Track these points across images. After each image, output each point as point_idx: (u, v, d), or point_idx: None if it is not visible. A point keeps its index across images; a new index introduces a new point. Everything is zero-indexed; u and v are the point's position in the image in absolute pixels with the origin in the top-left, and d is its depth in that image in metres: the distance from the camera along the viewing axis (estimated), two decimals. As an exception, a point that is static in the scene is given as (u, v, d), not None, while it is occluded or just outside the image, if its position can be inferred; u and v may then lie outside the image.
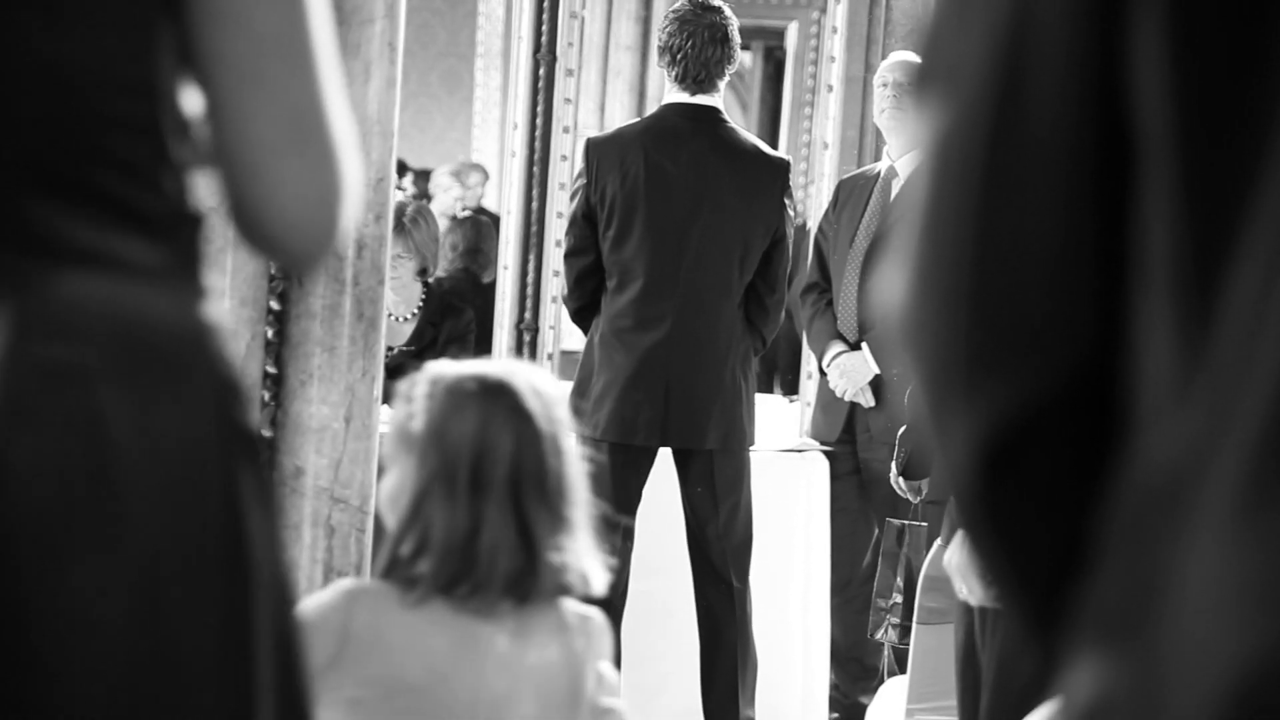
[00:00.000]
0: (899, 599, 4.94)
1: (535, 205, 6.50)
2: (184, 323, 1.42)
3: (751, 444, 5.02)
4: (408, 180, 9.46)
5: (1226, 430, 0.77)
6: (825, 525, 5.42)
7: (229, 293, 4.03)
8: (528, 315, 6.54)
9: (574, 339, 6.30)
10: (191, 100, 1.47)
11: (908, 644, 4.78)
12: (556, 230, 6.29)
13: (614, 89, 11.05)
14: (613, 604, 4.86)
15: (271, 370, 4.11)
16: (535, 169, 6.50)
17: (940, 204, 0.88)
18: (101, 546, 1.36)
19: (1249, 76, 0.80)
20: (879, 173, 5.65)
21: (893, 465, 4.51)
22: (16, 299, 1.36)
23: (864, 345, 5.53)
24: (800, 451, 5.59)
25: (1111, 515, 0.83)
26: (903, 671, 4.56)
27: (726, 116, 5.04)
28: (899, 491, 4.61)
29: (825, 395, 5.67)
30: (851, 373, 5.54)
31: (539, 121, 6.48)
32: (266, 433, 3.92)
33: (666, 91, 5.06)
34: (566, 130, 6.46)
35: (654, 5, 10.69)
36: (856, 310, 5.55)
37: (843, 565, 5.48)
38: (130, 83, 1.43)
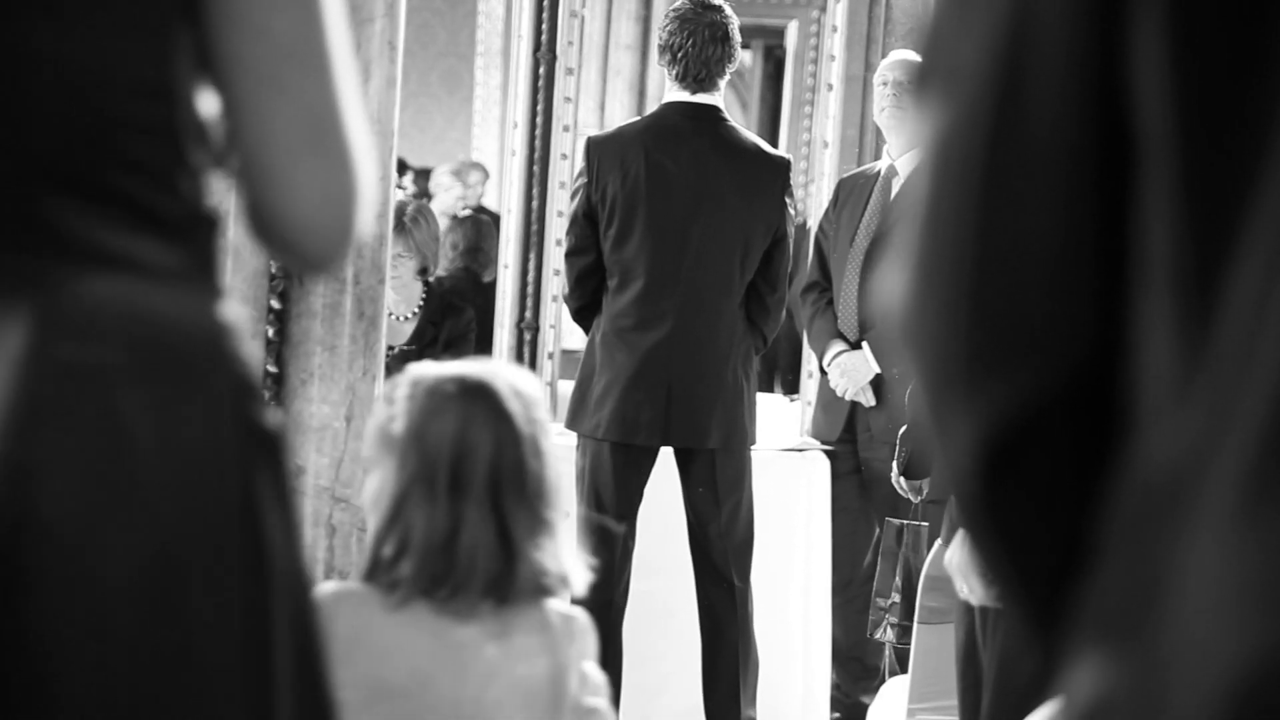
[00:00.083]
0: (898, 598, 4.94)
1: (535, 204, 6.49)
2: (201, 324, 1.44)
3: (753, 443, 5.02)
4: (408, 179, 9.46)
5: (1227, 429, 0.77)
6: (826, 525, 5.42)
7: (229, 292, 4.04)
8: (528, 314, 6.54)
9: (575, 338, 6.31)
10: (207, 103, 1.49)
11: (906, 643, 4.78)
12: (557, 229, 6.29)
13: (614, 88, 11.05)
14: (614, 604, 4.87)
15: (272, 369, 4.12)
16: (535, 168, 6.50)
17: (940, 203, 0.88)
18: (121, 545, 1.37)
19: (1249, 76, 0.80)
20: (879, 172, 5.65)
21: (893, 465, 4.51)
22: (38, 301, 1.38)
23: (864, 344, 5.53)
24: (801, 451, 5.59)
25: (1112, 514, 0.83)
26: (904, 671, 4.56)
27: (727, 115, 5.04)
28: (900, 491, 4.61)
29: (826, 394, 5.67)
30: (852, 372, 5.53)
31: (539, 120, 6.48)
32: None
33: (667, 90, 5.06)
34: (566, 129, 6.46)
35: (654, 4, 10.69)
36: (857, 309, 5.55)
37: (844, 565, 5.48)
38: (149, 87, 1.44)
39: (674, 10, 5.01)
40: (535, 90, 6.49)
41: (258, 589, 1.42)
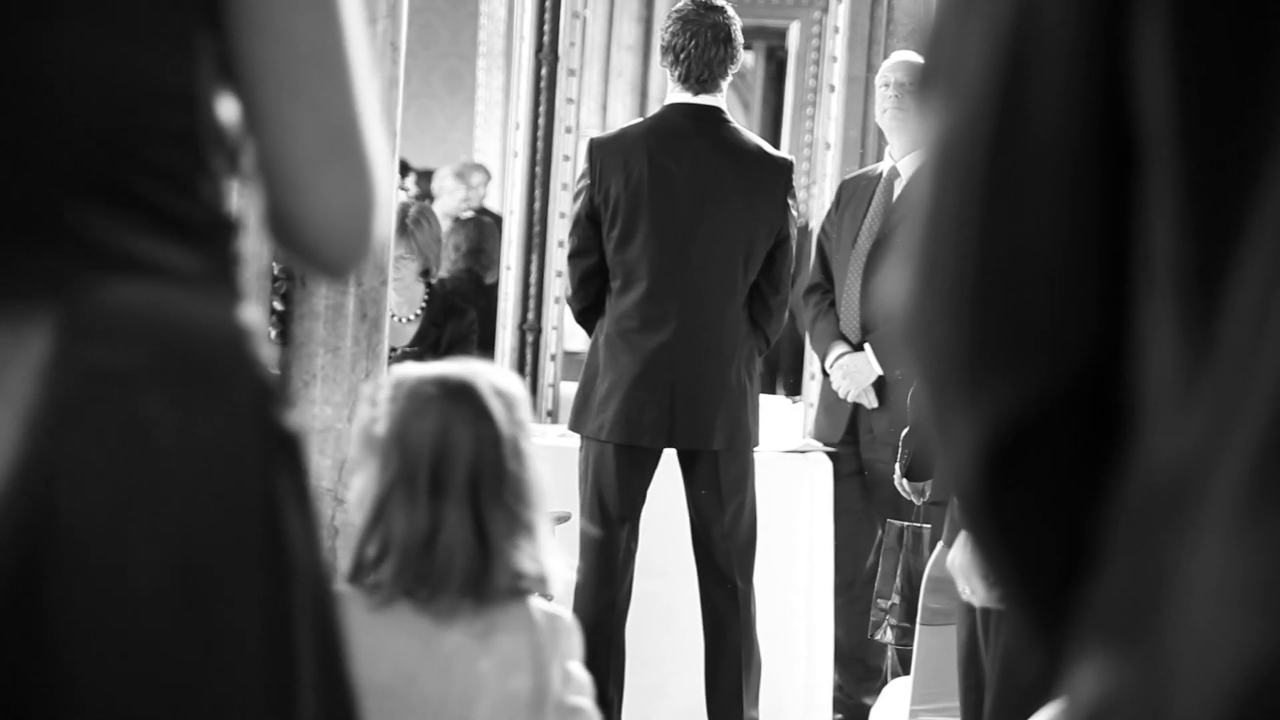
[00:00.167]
0: (898, 599, 4.94)
1: (538, 205, 6.50)
2: (223, 327, 1.46)
3: (756, 444, 5.02)
4: (410, 181, 9.47)
5: (1230, 430, 0.77)
6: (828, 526, 5.42)
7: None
8: (531, 316, 6.55)
9: (577, 339, 6.31)
10: (227, 110, 1.50)
11: (906, 644, 4.79)
12: (559, 231, 6.29)
13: (616, 89, 11.07)
14: (617, 605, 4.87)
15: (275, 371, 4.12)
16: (538, 169, 6.50)
17: (943, 205, 0.88)
18: (144, 547, 1.39)
19: (1252, 76, 0.80)
20: (881, 173, 5.65)
21: (896, 466, 4.51)
22: (62, 305, 1.39)
23: (867, 346, 5.53)
24: (803, 452, 5.59)
25: (1115, 516, 0.83)
26: (906, 672, 4.56)
27: (729, 116, 5.04)
28: (902, 493, 4.61)
29: (828, 396, 5.67)
30: (854, 374, 5.53)
31: (541, 122, 6.49)
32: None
33: (669, 91, 5.06)
34: (569, 130, 6.46)
35: (656, 5, 10.70)
36: (859, 311, 5.55)
37: (846, 566, 5.48)
38: (171, 93, 1.46)
39: (676, 11, 5.02)
40: (537, 91, 6.49)
41: (279, 589, 1.44)
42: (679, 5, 5.03)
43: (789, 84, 10.52)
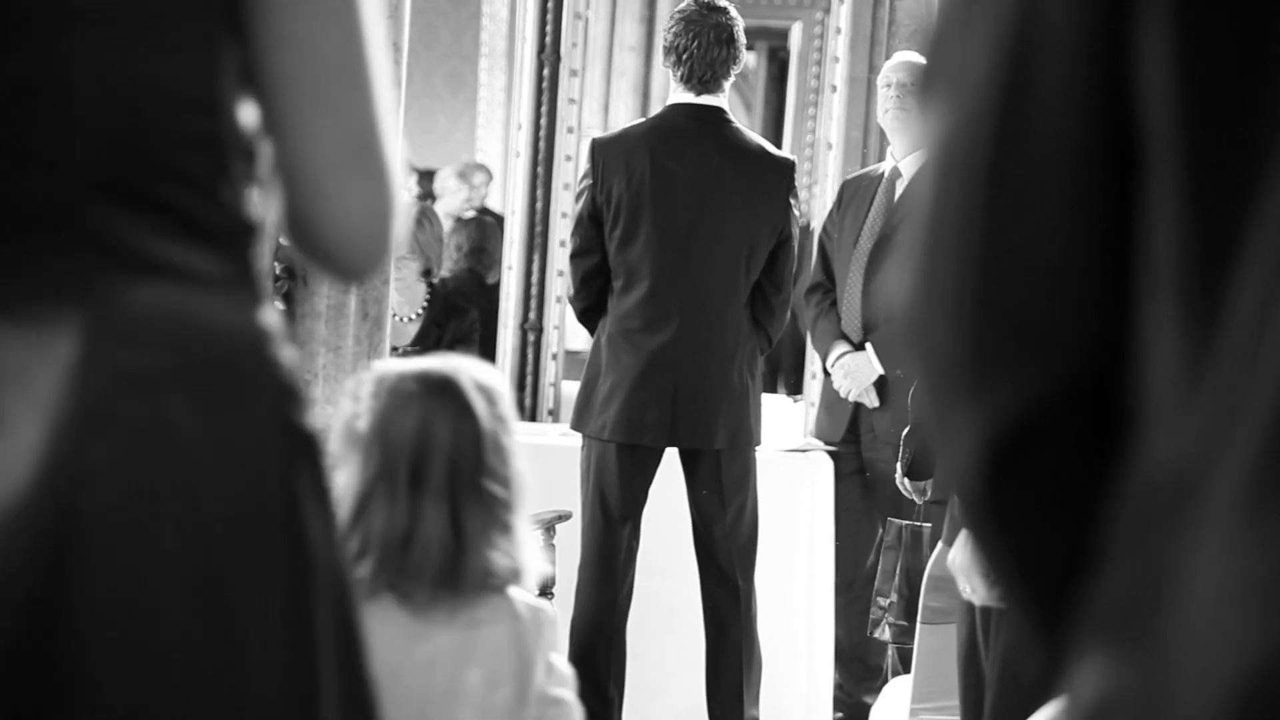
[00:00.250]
0: (897, 598, 4.94)
1: (540, 205, 6.50)
2: (245, 330, 1.48)
3: (758, 444, 5.02)
4: (412, 180, 9.46)
5: (1232, 431, 0.77)
6: (830, 525, 5.42)
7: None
8: (532, 315, 6.55)
9: (579, 339, 6.31)
10: (249, 115, 1.52)
11: (904, 643, 4.78)
12: (561, 230, 6.29)
13: (618, 89, 11.06)
14: (618, 604, 4.87)
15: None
16: (539, 169, 6.50)
17: (946, 204, 0.89)
18: (167, 546, 1.41)
19: (1255, 77, 0.80)
20: (883, 173, 5.65)
21: (897, 466, 4.51)
22: (88, 308, 1.42)
23: (868, 345, 5.53)
24: (805, 452, 5.59)
25: (1116, 515, 0.83)
26: (907, 671, 4.56)
27: (731, 117, 5.04)
28: (904, 492, 4.61)
29: (829, 395, 5.67)
30: (856, 373, 5.53)
31: (543, 122, 6.49)
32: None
33: (671, 92, 5.06)
34: (571, 131, 6.47)
35: (658, 6, 10.70)
36: (860, 310, 5.55)
37: (847, 565, 5.48)
38: (195, 100, 1.48)
39: (679, 12, 5.02)
40: (539, 92, 6.49)
41: (301, 588, 1.46)
42: (681, 6, 5.03)
43: (791, 84, 10.52)
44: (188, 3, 1.46)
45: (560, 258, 6.26)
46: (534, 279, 6.54)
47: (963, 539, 3.37)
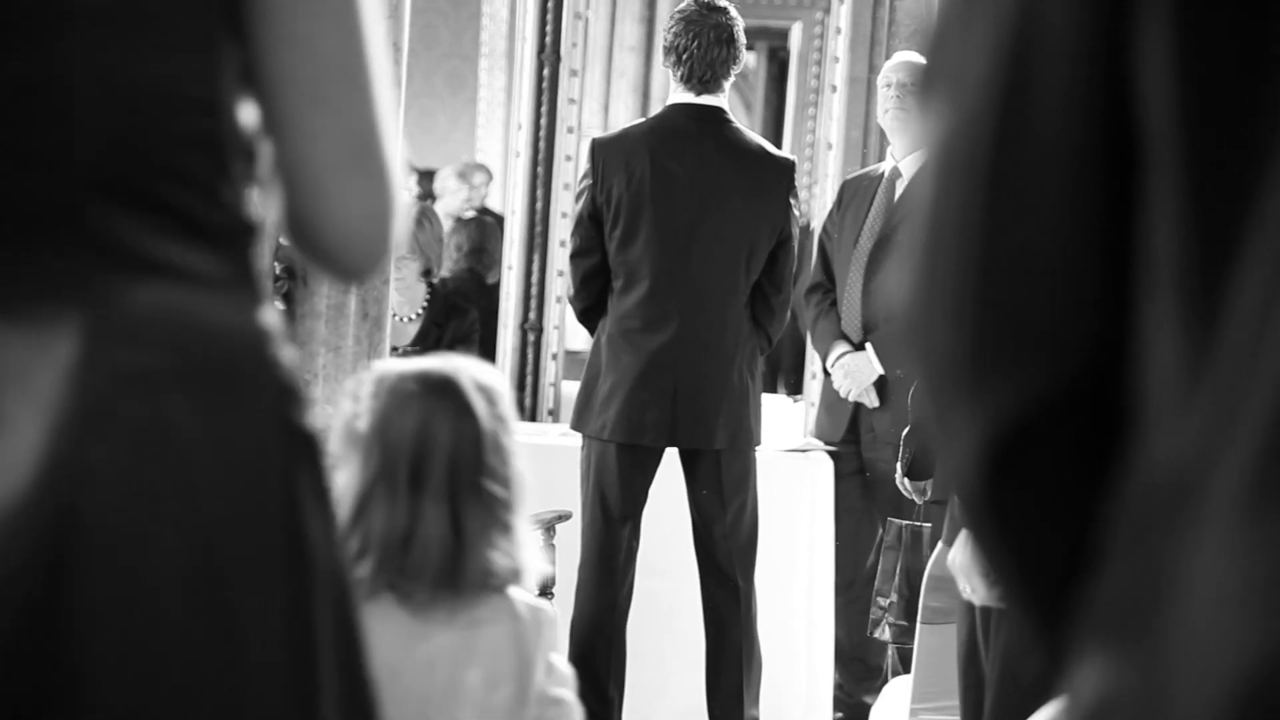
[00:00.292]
0: (896, 598, 4.94)
1: (540, 205, 6.50)
2: (245, 330, 1.48)
3: (758, 444, 5.02)
4: (412, 180, 9.46)
5: (1231, 431, 0.77)
6: (830, 525, 5.42)
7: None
8: (532, 315, 6.55)
9: (579, 339, 6.31)
10: (249, 115, 1.53)
11: (904, 643, 4.78)
12: (561, 230, 6.29)
13: (618, 89, 11.06)
14: (618, 604, 4.87)
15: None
16: (539, 169, 6.51)
17: (946, 204, 0.89)
18: (167, 545, 1.41)
19: (1255, 77, 0.80)
20: (883, 173, 5.65)
21: (897, 466, 4.51)
22: (88, 308, 1.42)
23: (868, 345, 5.53)
24: (804, 452, 5.60)
25: (1116, 515, 0.83)
26: (907, 671, 4.56)
27: (731, 117, 5.04)
28: (904, 492, 4.61)
29: (829, 395, 5.67)
30: (856, 373, 5.54)
31: (543, 122, 6.49)
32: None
33: (671, 92, 5.06)
34: (570, 131, 6.47)
35: (658, 6, 10.70)
36: (860, 310, 5.55)
37: (847, 565, 5.48)
38: (195, 100, 1.48)
39: (679, 12, 5.02)
40: (539, 92, 6.50)
41: (301, 588, 1.46)
42: (681, 6, 5.03)
43: (791, 84, 10.52)
44: (188, 3, 1.47)
45: (560, 258, 6.26)
46: (534, 279, 6.54)
47: (963, 539, 3.37)
